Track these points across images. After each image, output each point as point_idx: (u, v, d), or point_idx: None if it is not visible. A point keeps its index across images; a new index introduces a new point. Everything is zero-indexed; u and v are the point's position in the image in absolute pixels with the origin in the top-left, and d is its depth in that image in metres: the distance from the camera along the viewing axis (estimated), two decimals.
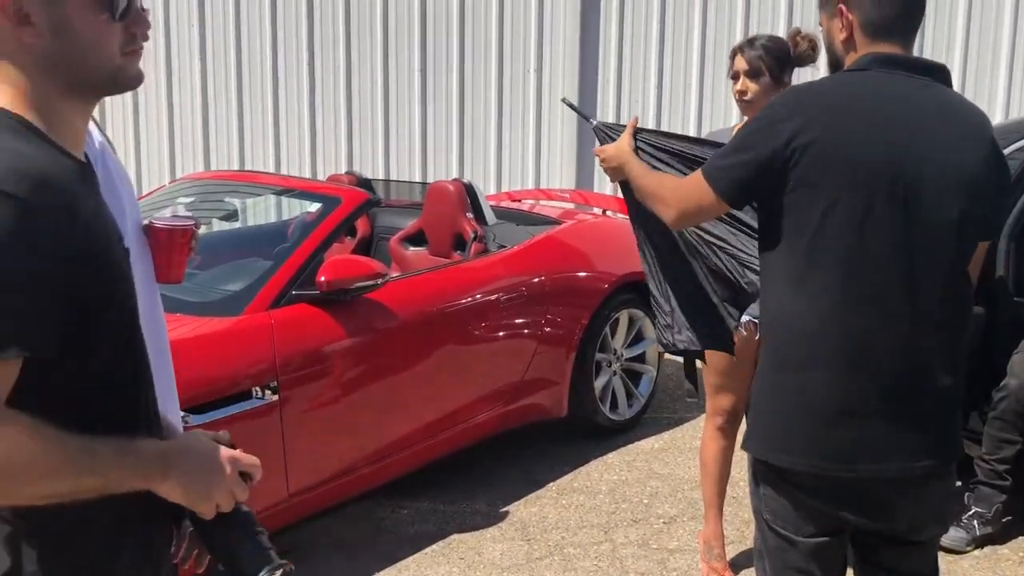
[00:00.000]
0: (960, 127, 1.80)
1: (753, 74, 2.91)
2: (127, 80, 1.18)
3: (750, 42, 2.95)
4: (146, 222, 1.73)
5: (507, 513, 3.75)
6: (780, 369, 1.85)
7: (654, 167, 2.28)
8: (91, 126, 1.36)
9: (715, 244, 2.46)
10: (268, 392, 3.09)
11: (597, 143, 2.46)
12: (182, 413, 2.53)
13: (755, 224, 2.12)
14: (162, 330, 1.94)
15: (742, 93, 2.92)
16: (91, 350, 1.12)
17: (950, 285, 1.80)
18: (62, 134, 1.15)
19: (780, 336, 1.85)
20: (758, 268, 2.05)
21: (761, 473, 1.90)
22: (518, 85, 6.60)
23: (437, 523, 3.66)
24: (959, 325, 1.85)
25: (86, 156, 1.21)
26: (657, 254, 2.51)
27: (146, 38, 1.20)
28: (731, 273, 2.47)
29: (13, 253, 1.01)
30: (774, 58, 2.89)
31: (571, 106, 2.76)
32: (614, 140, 2.35)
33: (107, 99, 2.06)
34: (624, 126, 2.38)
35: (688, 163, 2.34)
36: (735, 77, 2.95)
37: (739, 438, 2.57)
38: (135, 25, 1.16)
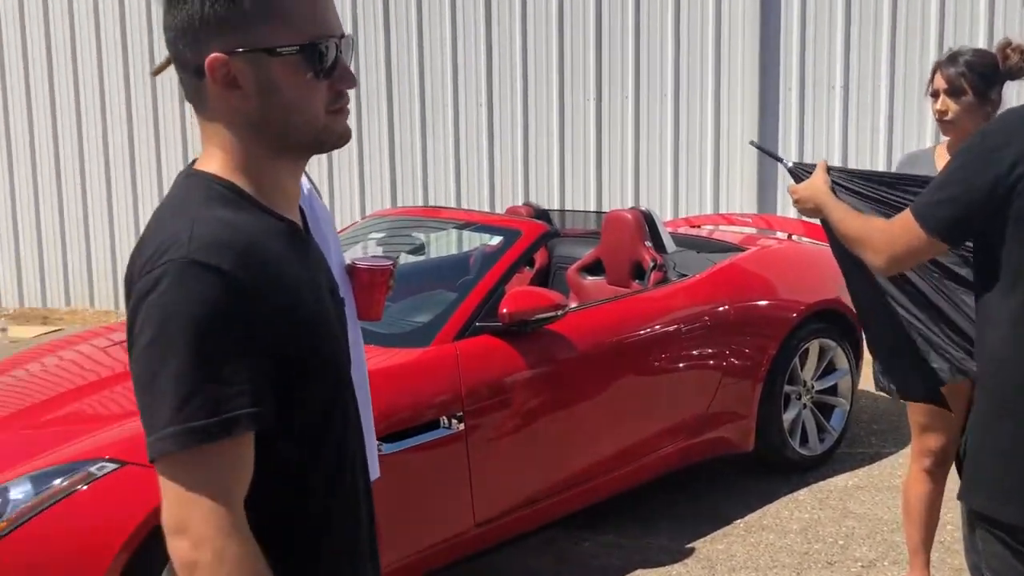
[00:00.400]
0: None
1: (953, 92, 2.70)
2: (333, 139, 1.15)
3: (951, 58, 2.74)
4: (348, 262, 1.82)
5: (692, 549, 3.64)
6: (1001, 416, 1.69)
7: (855, 207, 2.15)
8: None
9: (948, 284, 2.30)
10: (455, 422, 3.15)
11: (791, 181, 2.35)
12: (376, 441, 2.64)
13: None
14: (362, 366, 2.03)
15: (942, 113, 2.72)
16: (298, 409, 1.11)
17: None
18: (271, 195, 1.14)
19: (1000, 381, 1.70)
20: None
21: (983, 527, 1.74)
22: (695, 109, 6.49)
23: (620, 557, 3.60)
24: None
25: (301, 210, 1.22)
26: (870, 295, 2.37)
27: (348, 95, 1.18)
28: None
29: (225, 328, 1.01)
30: (978, 75, 2.67)
31: (760, 148, 2.65)
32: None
33: None
34: (815, 165, 2.27)
35: (886, 207, 2.20)
36: (934, 95, 2.75)
37: (949, 483, 2.38)
38: (341, 83, 1.14)
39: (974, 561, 1.81)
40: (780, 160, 2.45)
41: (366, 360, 2.31)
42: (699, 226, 5.33)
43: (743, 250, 4.45)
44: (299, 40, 1.09)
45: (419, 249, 4.55)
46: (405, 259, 4.53)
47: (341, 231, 4.60)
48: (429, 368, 3.19)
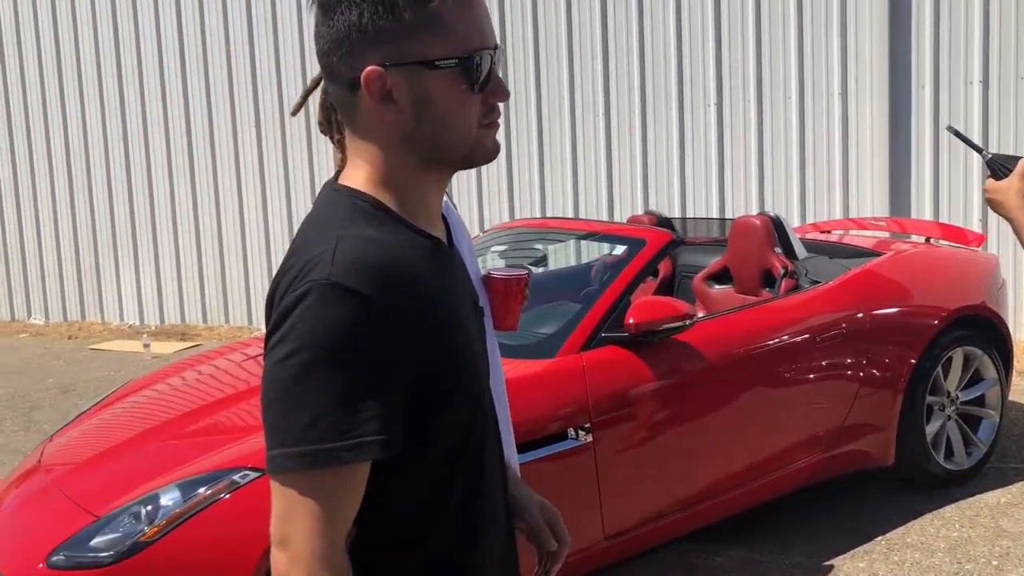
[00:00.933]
0: None
1: None
2: (484, 153, 1.14)
3: None
4: (483, 273, 1.83)
5: (831, 567, 3.49)
6: None
7: None
8: None
9: None
10: (582, 433, 3.13)
11: (987, 178, 2.16)
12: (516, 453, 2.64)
13: None
14: (500, 377, 2.03)
15: None
16: (431, 443, 1.09)
17: None
18: (415, 211, 1.13)
19: None
20: None
21: None
22: (821, 109, 6.28)
23: (753, 573, 3.49)
24: None
25: (444, 220, 1.21)
26: None
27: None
28: None
29: (362, 353, 1.00)
30: None
31: (957, 134, 2.47)
32: (1008, 174, 2.03)
33: None
34: (1017, 158, 2.09)
35: None
36: None
37: None
38: (494, 96, 1.11)
39: None
40: (979, 149, 2.27)
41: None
42: (829, 231, 5.14)
43: (878, 255, 4.26)
44: (457, 52, 1.07)
45: (542, 260, 4.55)
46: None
47: None
48: (555, 379, 3.18)
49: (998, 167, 2.10)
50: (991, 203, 2.01)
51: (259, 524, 2.64)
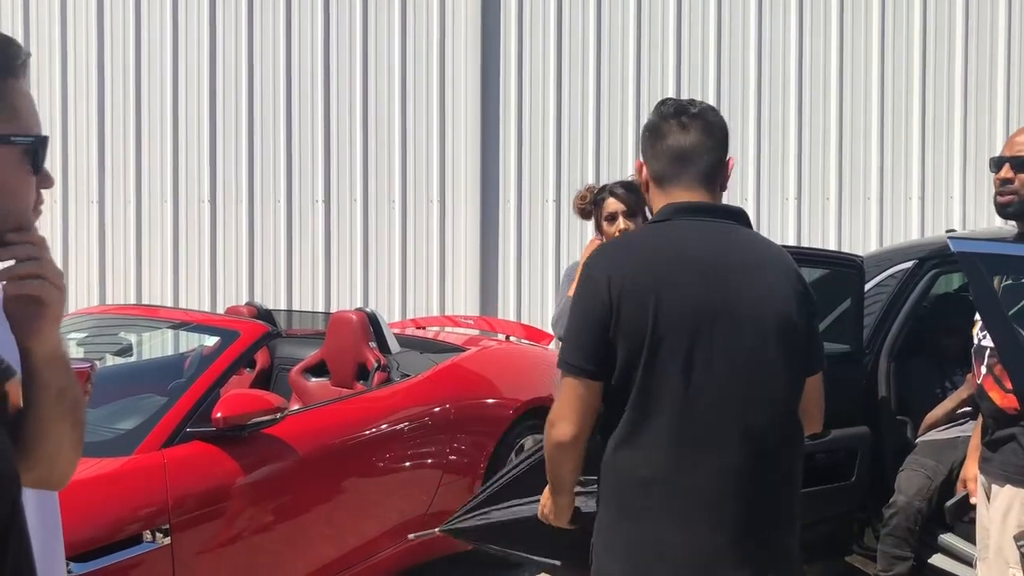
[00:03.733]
0: (766, 267, 1.87)
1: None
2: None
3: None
4: None
5: None
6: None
7: None
8: None
9: None
10: (159, 535, 2.95)
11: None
12: (67, 562, 2.41)
13: None
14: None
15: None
16: None
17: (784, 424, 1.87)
18: None
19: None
20: None
21: None
22: (422, 213, 6.74)
23: None
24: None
25: None
26: None
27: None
28: None
29: None
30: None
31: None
32: None
33: None
34: None
35: None
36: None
37: None
38: (42, 184, 1.19)
39: None
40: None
41: None
42: (425, 328, 5.47)
43: (464, 350, 4.62)
44: (26, 133, 1.15)
45: (126, 350, 4.27)
46: (112, 361, 4.23)
47: None
48: (131, 478, 2.99)
49: None
50: None
51: None
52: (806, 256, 3.60)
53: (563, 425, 1.86)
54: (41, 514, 1.59)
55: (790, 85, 6.60)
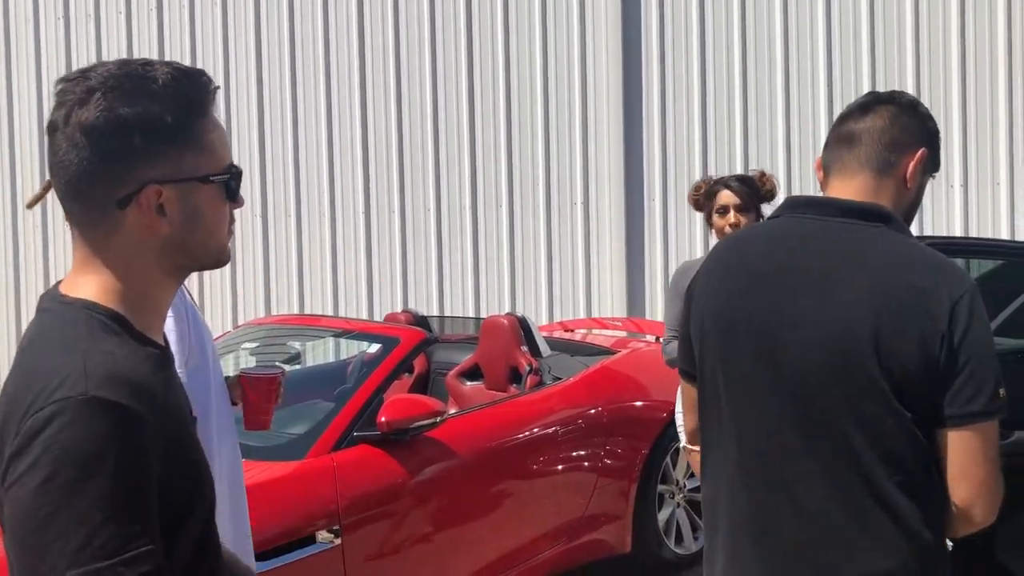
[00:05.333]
0: (861, 276, 1.51)
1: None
2: (227, 256, 1.23)
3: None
4: (236, 373, 1.81)
5: None
6: None
7: None
8: None
9: None
10: (331, 536, 3.08)
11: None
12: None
13: None
14: (240, 479, 1.99)
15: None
16: (177, 548, 1.09)
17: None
18: (148, 319, 1.16)
19: None
20: None
21: None
22: (566, 216, 6.77)
23: None
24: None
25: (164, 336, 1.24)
26: None
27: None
28: None
29: (127, 465, 1.00)
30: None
31: None
32: None
33: None
34: None
35: None
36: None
37: None
38: (237, 205, 1.23)
39: None
40: None
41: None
42: (573, 330, 5.49)
43: (614, 353, 4.61)
44: (221, 169, 1.18)
45: (295, 358, 4.50)
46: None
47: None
48: (304, 481, 3.13)
49: None
50: None
51: None
52: (974, 248, 3.39)
53: (685, 419, 1.87)
54: (232, 510, 1.70)
55: (863, 65, 6.24)
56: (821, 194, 1.66)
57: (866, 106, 1.66)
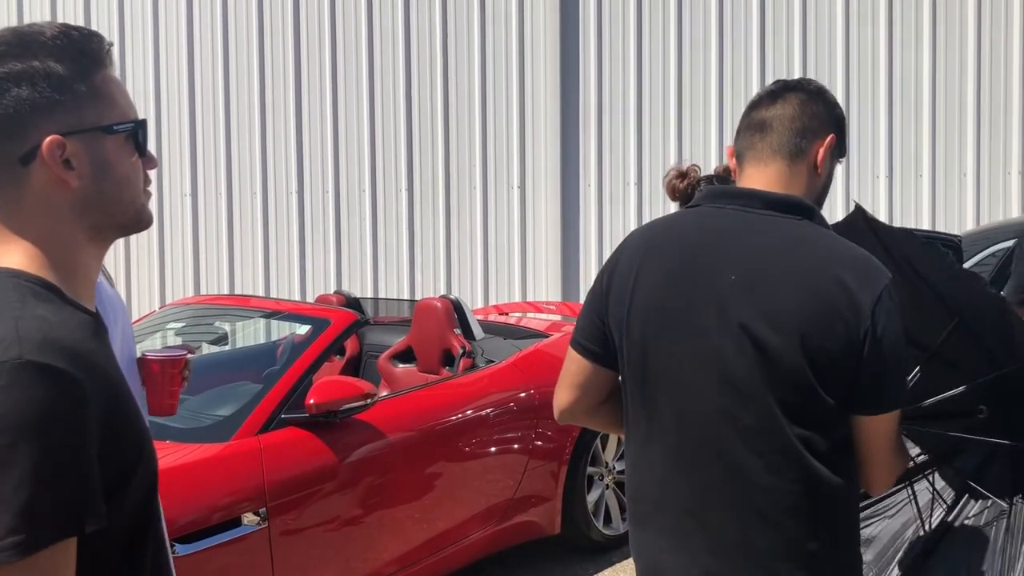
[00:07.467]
0: (787, 271, 1.53)
1: None
2: (147, 218, 1.21)
3: None
4: (138, 355, 1.75)
5: None
6: None
7: None
8: None
9: None
10: (257, 518, 3.05)
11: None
12: (170, 542, 2.52)
13: None
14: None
15: None
16: (119, 516, 1.08)
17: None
18: (77, 286, 1.15)
19: None
20: None
21: None
22: (502, 200, 6.77)
23: None
24: None
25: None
26: None
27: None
28: None
29: (66, 429, 1.00)
30: None
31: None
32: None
33: None
34: None
35: None
36: None
37: None
38: (149, 164, 1.21)
39: None
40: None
41: (162, 456, 2.21)
42: (507, 313, 5.50)
43: (547, 336, 4.63)
44: (126, 120, 1.17)
45: (222, 339, 4.42)
46: (208, 350, 4.38)
47: (136, 320, 4.40)
48: (229, 463, 3.09)
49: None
50: None
51: None
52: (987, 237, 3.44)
53: (563, 395, 1.77)
54: None
55: (879, 58, 6.39)
56: (743, 186, 1.67)
57: (775, 94, 1.68)
